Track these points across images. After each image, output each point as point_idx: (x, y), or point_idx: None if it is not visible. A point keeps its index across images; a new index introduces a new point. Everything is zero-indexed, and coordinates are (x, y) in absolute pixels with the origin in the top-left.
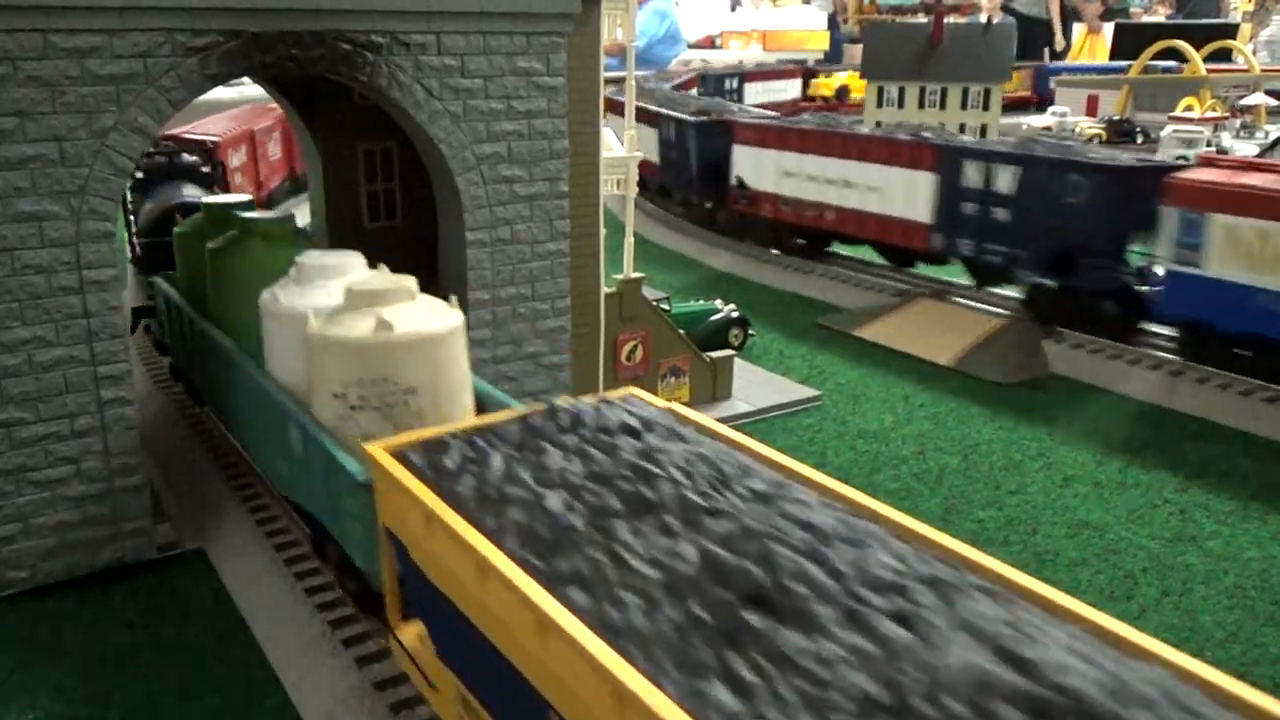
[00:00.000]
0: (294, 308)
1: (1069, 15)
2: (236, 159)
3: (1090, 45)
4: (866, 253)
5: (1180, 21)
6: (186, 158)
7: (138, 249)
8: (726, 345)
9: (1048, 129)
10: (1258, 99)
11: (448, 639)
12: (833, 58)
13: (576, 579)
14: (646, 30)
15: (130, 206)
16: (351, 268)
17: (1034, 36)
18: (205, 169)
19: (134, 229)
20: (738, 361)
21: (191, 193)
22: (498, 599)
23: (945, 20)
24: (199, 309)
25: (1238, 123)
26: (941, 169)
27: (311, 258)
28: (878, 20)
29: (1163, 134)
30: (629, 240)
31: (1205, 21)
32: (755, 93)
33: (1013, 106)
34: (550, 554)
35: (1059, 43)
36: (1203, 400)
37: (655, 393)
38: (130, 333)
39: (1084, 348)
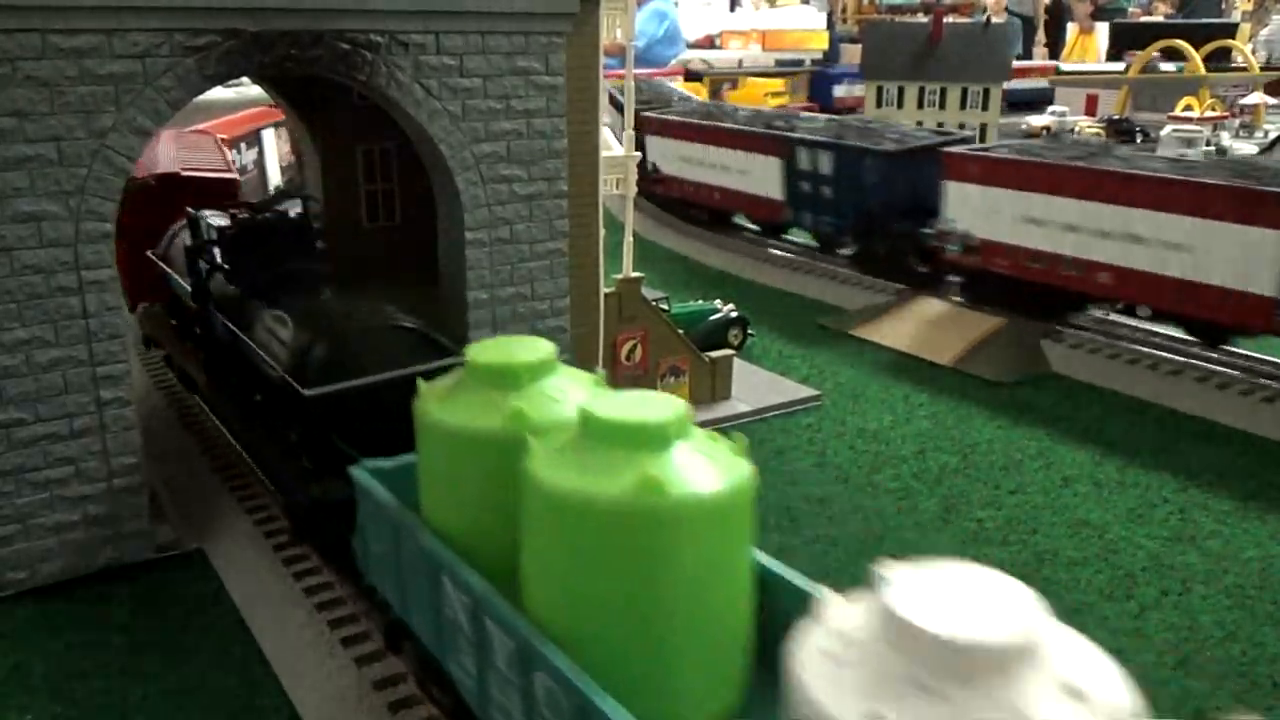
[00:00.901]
0: None
1: (1064, 13)
2: None
3: (1082, 45)
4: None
5: (1179, 21)
6: (292, 215)
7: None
8: (726, 345)
9: (1046, 128)
10: (1256, 98)
11: None
12: (831, 57)
13: None
14: (646, 31)
15: (216, 305)
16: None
17: (1026, 36)
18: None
19: (267, 360)
20: (737, 361)
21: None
22: None
23: (944, 20)
24: (490, 567)
25: (1236, 122)
26: None
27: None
28: (876, 20)
29: (1162, 133)
30: (628, 240)
31: (1205, 21)
32: None
33: None
34: None
35: (1039, 39)
36: (1202, 399)
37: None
38: (307, 537)
39: (1083, 347)
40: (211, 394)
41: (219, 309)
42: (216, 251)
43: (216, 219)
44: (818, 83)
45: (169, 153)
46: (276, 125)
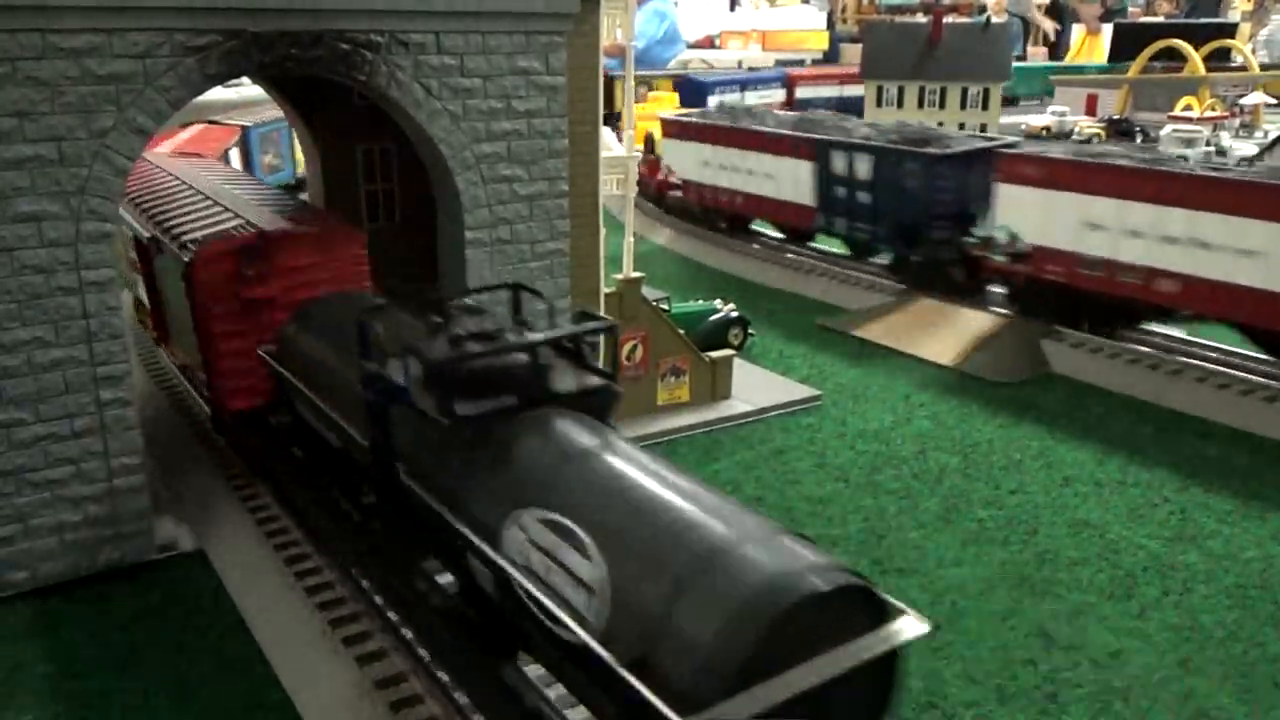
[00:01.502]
0: None
1: (1063, 14)
2: None
3: (1089, 46)
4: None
5: (1179, 21)
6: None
7: None
8: (726, 345)
9: (1047, 129)
10: (1257, 98)
11: None
12: (831, 57)
13: None
14: (645, 31)
15: (411, 469)
16: None
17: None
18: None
19: (548, 613)
20: (737, 361)
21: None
22: None
23: (944, 20)
24: None
25: (1236, 122)
26: None
27: None
28: (876, 20)
29: (1162, 133)
30: (629, 240)
31: (1205, 21)
32: None
33: None
34: None
35: (1034, 40)
36: (1202, 399)
37: (655, 392)
38: None
39: (1084, 347)
40: (392, 591)
41: (415, 474)
42: (406, 377)
43: (403, 326)
44: (688, 89)
45: (227, 191)
46: (238, 143)
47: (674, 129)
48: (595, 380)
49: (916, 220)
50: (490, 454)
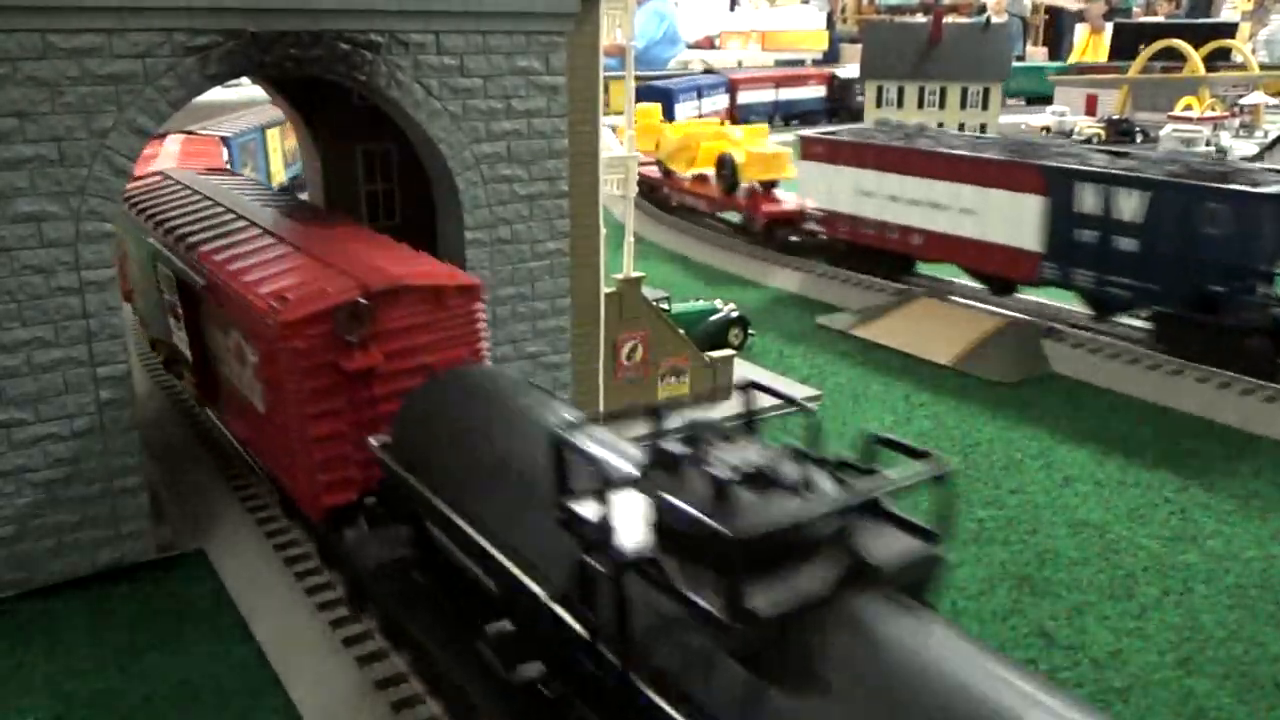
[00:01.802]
0: None
1: (1062, 14)
2: None
3: (1093, 45)
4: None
5: (1179, 21)
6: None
7: None
8: (726, 345)
9: (1046, 129)
10: (1257, 98)
11: None
12: (831, 57)
13: None
14: (645, 32)
15: (658, 677)
16: None
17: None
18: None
19: None
20: (737, 361)
21: None
22: None
23: (944, 20)
24: None
25: (1236, 122)
26: None
27: None
28: (876, 20)
29: (1162, 133)
30: (629, 240)
31: (1204, 21)
32: None
33: None
34: None
35: (1033, 39)
36: (1203, 399)
37: (655, 393)
38: None
39: (1084, 347)
40: None
41: (662, 684)
42: (655, 545)
43: (616, 454)
44: (658, 97)
45: (292, 224)
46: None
47: (820, 150)
48: (917, 547)
49: (1218, 277)
50: (804, 677)
